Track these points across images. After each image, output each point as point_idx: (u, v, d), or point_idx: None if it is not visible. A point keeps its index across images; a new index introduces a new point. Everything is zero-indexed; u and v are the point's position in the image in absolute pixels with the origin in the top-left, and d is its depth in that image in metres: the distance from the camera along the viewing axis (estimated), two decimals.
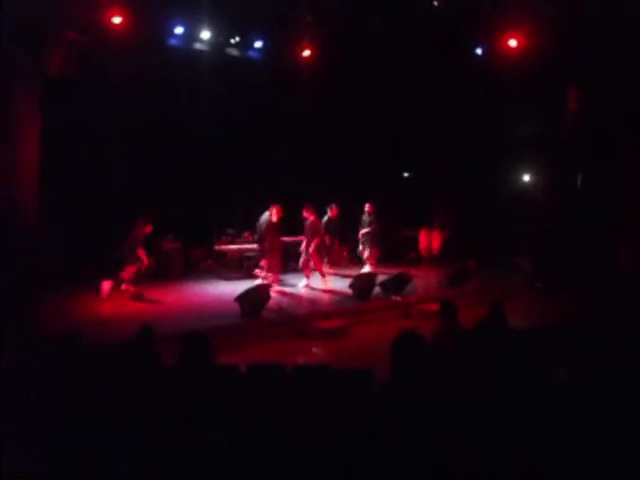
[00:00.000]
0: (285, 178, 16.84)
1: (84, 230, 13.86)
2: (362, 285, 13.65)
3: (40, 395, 4.74)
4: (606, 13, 13.94)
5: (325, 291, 14.68)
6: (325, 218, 15.96)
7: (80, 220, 13.86)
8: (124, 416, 4.40)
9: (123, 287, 13.25)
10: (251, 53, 16.35)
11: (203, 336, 5.60)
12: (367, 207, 16.53)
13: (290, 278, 15.63)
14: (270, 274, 14.62)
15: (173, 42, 14.81)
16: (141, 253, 13.29)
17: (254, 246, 15.91)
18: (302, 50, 16.35)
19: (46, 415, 4.45)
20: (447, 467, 3.43)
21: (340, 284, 14.94)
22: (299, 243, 15.39)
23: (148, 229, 13.53)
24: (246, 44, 16.07)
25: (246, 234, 16.35)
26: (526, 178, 18.70)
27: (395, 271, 14.51)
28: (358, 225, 16.65)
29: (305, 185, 16.83)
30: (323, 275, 15.46)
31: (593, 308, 9.47)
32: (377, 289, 13.87)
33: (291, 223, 15.60)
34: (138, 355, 5.92)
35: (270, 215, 14.46)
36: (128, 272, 13.19)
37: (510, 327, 6.97)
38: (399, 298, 13.68)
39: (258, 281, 14.07)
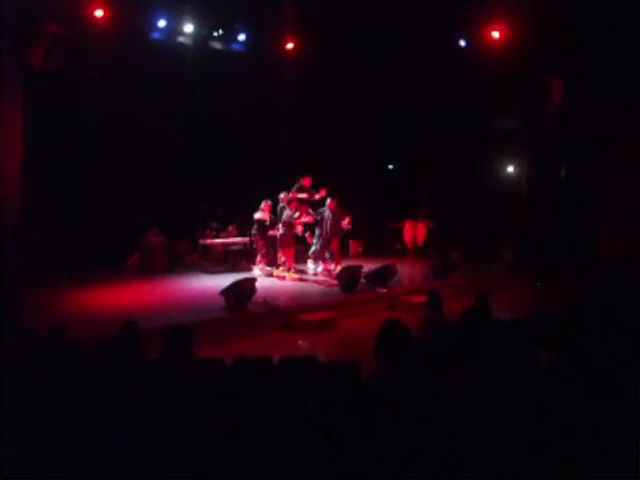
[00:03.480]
0: (269, 171, 16.83)
1: (68, 226, 13.81)
2: (348, 277, 13.66)
3: (25, 391, 4.72)
4: (589, 4, 14.01)
5: (310, 284, 14.68)
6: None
7: (64, 215, 13.82)
8: (108, 412, 4.39)
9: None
10: (234, 46, 16.30)
11: (185, 330, 5.60)
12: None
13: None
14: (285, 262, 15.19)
15: (156, 35, 14.74)
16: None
17: (239, 240, 15.94)
18: (285, 43, 16.34)
19: (32, 412, 4.43)
20: (434, 455, 3.45)
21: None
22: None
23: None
24: (229, 37, 16.03)
25: (230, 228, 16.34)
26: (510, 169, 18.76)
27: (380, 263, 14.53)
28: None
29: (290, 178, 16.81)
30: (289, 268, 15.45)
31: (576, 297, 9.55)
32: (363, 281, 13.90)
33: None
34: (122, 351, 5.90)
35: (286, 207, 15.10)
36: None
37: (494, 318, 7.02)
38: (385, 290, 13.71)
39: (247, 274, 14.24)
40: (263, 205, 15.03)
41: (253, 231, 15.28)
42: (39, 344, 6.17)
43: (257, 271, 15.04)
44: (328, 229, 15.52)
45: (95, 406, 4.44)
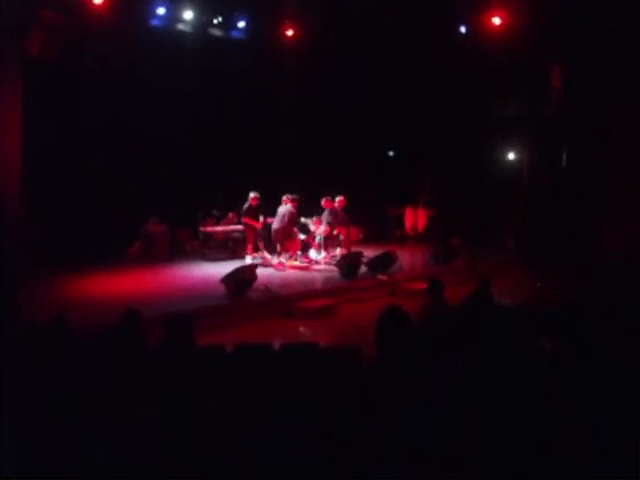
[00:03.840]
0: (270, 158, 16.82)
1: (69, 216, 13.82)
2: (348, 264, 13.67)
3: (26, 382, 4.72)
4: None
5: (311, 271, 14.70)
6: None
7: (64, 205, 13.81)
8: (109, 402, 4.40)
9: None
10: (234, 33, 16.25)
11: (186, 317, 5.60)
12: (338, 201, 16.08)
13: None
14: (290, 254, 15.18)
15: (155, 23, 14.69)
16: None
17: (239, 227, 15.87)
18: (285, 30, 16.29)
19: (34, 403, 4.43)
20: (435, 442, 3.46)
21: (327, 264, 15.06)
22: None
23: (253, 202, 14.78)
24: (229, 24, 15.97)
25: (231, 215, 16.32)
26: (511, 156, 18.73)
27: (381, 250, 14.54)
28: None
29: (291, 165, 16.81)
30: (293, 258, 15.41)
31: (576, 287, 9.57)
32: (363, 268, 13.92)
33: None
34: (124, 339, 5.91)
35: (287, 205, 14.93)
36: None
37: (495, 304, 7.02)
38: (385, 277, 13.72)
39: (247, 261, 14.24)
40: (251, 196, 14.87)
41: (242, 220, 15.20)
42: (40, 333, 6.17)
43: (248, 259, 14.91)
44: (335, 222, 15.62)
45: (96, 396, 4.44)
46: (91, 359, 5.37)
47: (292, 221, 15.02)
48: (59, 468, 3.70)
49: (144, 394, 4.47)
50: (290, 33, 16.35)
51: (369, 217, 19.20)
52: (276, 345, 6.07)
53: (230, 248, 15.78)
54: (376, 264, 13.91)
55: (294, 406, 4.16)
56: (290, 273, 14.46)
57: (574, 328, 5.66)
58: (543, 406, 3.82)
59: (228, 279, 11.77)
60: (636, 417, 3.64)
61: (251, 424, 3.94)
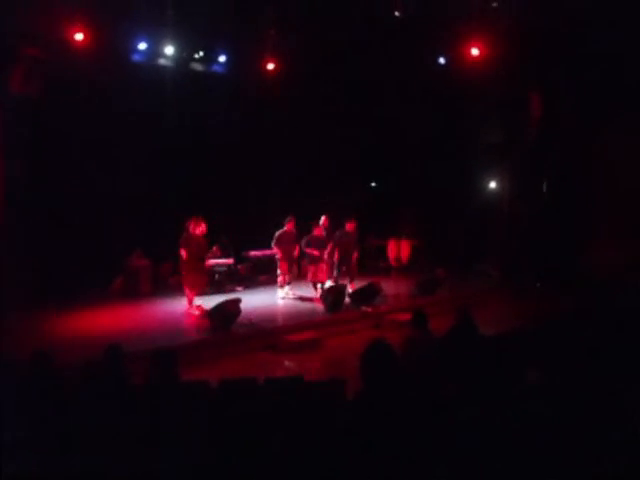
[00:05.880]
0: (250, 191, 16.83)
1: (49, 251, 13.70)
2: (332, 297, 13.63)
3: (12, 417, 4.66)
4: (566, 20, 14.19)
5: (295, 304, 14.64)
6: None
7: (44, 240, 13.70)
8: (96, 436, 4.35)
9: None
10: (216, 68, 16.37)
11: (170, 352, 5.56)
12: (322, 220, 15.64)
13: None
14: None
15: (136, 58, 14.77)
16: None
17: (223, 261, 15.86)
18: (266, 64, 16.41)
19: (20, 438, 4.38)
20: (419, 472, 3.44)
21: (310, 296, 15.01)
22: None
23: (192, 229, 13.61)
24: (210, 59, 16.09)
25: (214, 248, 16.24)
26: (492, 185, 18.85)
27: (364, 281, 14.52)
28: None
29: (271, 198, 16.82)
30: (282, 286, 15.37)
31: (561, 312, 9.59)
32: (347, 300, 13.88)
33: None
34: (107, 375, 5.84)
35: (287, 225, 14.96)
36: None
37: (479, 333, 7.01)
38: (370, 309, 13.68)
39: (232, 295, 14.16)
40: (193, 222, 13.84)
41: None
42: (23, 370, 6.09)
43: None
44: (343, 248, 15.36)
45: (81, 433, 4.39)
46: (74, 396, 5.31)
47: (278, 244, 14.97)
48: None
49: (128, 429, 4.42)
50: (271, 67, 16.48)
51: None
52: (261, 379, 6.02)
53: (214, 282, 15.71)
54: (360, 296, 13.89)
55: (280, 439, 4.13)
56: (275, 306, 14.41)
57: (559, 354, 5.66)
58: (531, 435, 3.81)
59: (212, 313, 11.71)
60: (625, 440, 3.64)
61: (237, 458, 3.90)
